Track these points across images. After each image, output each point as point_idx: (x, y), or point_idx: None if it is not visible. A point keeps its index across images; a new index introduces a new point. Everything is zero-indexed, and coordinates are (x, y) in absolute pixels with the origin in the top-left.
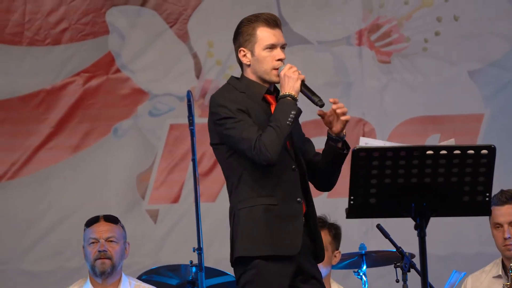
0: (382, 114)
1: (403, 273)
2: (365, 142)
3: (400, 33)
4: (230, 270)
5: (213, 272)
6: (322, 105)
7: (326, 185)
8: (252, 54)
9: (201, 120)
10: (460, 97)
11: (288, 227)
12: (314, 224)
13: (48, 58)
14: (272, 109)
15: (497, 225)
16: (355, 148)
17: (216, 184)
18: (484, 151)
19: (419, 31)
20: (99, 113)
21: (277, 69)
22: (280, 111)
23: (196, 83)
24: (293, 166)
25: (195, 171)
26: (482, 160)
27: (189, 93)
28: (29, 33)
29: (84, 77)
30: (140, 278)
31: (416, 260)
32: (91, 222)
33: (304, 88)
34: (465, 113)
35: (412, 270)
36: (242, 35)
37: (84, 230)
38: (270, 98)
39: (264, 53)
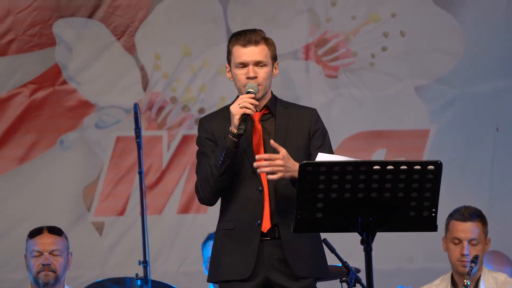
0: (329, 128)
1: None
2: (322, 157)
3: (347, 47)
4: (175, 283)
5: (159, 285)
6: (238, 135)
7: None
8: (231, 71)
9: (148, 133)
10: (406, 112)
11: (241, 252)
12: (289, 239)
13: None
14: (254, 127)
15: (455, 240)
16: (302, 163)
17: (162, 197)
18: (431, 167)
19: (366, 46)
20: (45, 124)
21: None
22: (217, 150)
23: (143, 95)
24: (260, 188)
25: (142, 183)
26: (428, 176)
27: (136, 106)
28: None
29: (31, 89)
30: None
31: (362, 275)
32: (35, 233)
33: (242, 121)
34: (411, 129)
35: (357, 285)
36: (227, 53)
37: (27, 240)
38: (255, 115)
39: (236, 71)
